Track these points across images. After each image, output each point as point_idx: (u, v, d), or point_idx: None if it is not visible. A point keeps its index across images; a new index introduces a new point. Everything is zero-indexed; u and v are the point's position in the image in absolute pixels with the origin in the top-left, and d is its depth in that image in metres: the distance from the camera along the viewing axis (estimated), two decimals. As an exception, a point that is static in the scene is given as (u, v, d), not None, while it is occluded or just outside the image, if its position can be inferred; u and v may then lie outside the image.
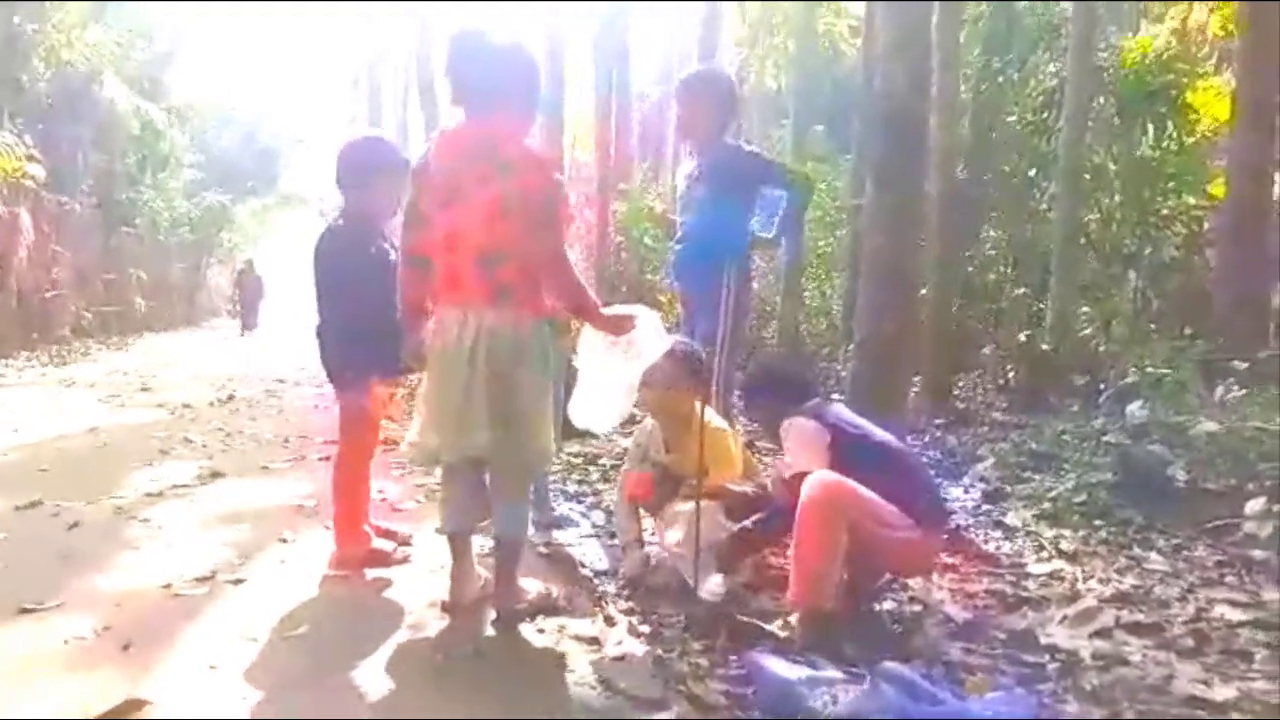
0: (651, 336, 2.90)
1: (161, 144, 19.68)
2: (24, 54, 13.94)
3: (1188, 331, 6.78)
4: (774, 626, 2.58)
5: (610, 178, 10.62)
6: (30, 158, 12.63)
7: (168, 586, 2.90)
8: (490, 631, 2.61)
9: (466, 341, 2.54)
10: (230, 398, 8.06)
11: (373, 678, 2.27)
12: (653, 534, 3.32)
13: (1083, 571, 3.28)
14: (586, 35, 14.74)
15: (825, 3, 11.76)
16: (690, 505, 2.89)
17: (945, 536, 2.73)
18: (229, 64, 26.85)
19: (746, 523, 2.95)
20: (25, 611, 2.64)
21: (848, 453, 2.68)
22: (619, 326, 2.80)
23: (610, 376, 2.92)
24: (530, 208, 2.53)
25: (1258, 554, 3.37)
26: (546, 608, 2.75)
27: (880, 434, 2.86)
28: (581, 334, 3.02)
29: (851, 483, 2.54)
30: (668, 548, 3.06)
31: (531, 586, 2.80)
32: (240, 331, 19.83)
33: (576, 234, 13.75)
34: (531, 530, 3.64)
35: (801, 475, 2.58)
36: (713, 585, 2.87)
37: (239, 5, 24.81)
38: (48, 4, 14.20)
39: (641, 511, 3.28)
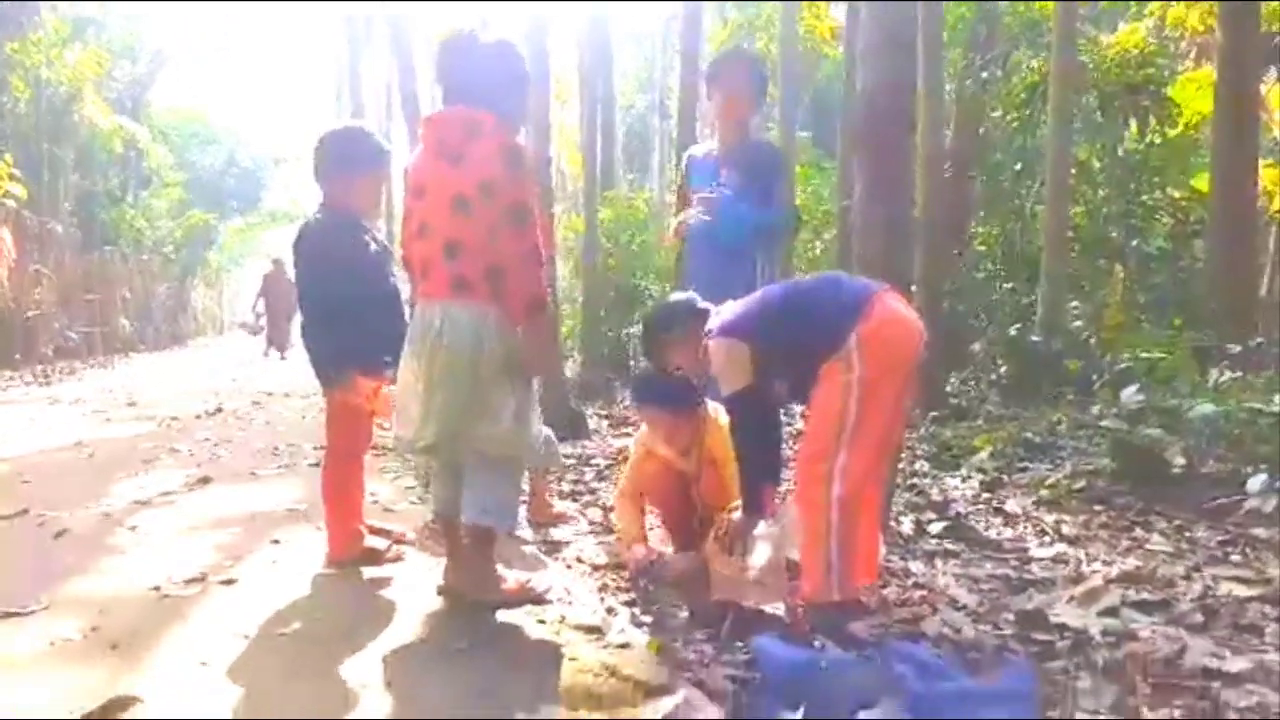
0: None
1: (144, 163, 19.62)
2: (2, 75, 13.86)
3: (1176, 322, 6.79)
4: (780, 612, 2.54)
5: (596, 187, 10.57)
6: (11, 177, 12.53)
7: (156, 589, 2.84)
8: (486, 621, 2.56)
9: (431, 333, 2.54)
10: (218, 410, 7.96)
11: (369, 671, 2.21)
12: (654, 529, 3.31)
13: (1086, 554, 3.25)
14: (571, 46, 14.77)
15: (806, 2, 11.77)
16: (771, 528, 2.69)
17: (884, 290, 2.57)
18: (211, 82, 26.82)
19: None
20: (9, 615, 2.58)
21: (765, 340, 2.58)
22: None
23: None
24: (497, 200, 2.50)
25: (1261, 531, 3.34)
26: (526, 598, 2.69)
27: (772, 291, 2.78)
28: None
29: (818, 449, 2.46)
30: (741, 569, 2.69)
31: (514, 577, 2.75)
32: (265, 349, 15.62)
33: (564, 245, 13.71)
34: (528, 529, 3.61)
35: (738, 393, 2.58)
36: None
37: (220, 22, 24.66)
38: (25, 20, 14.11)
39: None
